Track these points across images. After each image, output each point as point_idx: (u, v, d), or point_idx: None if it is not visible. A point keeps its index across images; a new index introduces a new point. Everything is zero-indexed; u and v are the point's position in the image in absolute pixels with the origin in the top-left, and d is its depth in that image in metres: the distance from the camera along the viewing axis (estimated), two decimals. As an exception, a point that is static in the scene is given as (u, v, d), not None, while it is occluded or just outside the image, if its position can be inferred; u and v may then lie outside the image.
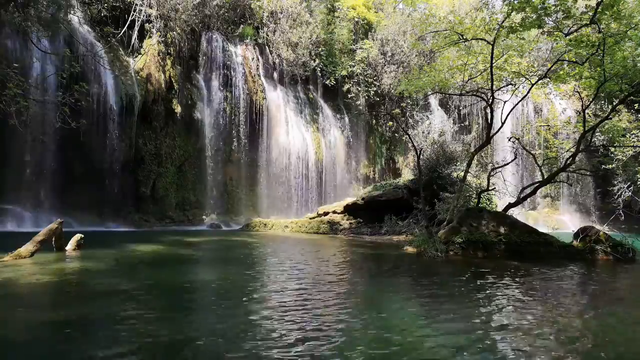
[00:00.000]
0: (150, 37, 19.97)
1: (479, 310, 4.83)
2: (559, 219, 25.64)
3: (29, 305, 4.73)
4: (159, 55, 19.92)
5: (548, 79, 12.32)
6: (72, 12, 15.84)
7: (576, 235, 10.34)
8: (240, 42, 23.48)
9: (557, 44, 12.48)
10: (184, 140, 20.88)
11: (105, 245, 10.14)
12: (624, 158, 16.56)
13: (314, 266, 8.26)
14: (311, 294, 5.52)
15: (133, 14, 19.22)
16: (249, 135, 22.52)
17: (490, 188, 13.31)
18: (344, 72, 26.39)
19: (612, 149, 16.29)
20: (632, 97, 12.69)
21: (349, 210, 17.80)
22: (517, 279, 6.94)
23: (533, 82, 12.46)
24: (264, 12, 24.19)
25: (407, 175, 24.82)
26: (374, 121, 27.92)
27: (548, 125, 25.43)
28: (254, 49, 23.81)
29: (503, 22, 11.04)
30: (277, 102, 23.96)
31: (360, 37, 27.58)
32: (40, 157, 16.25)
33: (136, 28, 19.49)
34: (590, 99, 13.38)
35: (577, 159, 13.09)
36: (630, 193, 19.18)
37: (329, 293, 5.63)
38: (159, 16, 19.97)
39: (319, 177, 24.53)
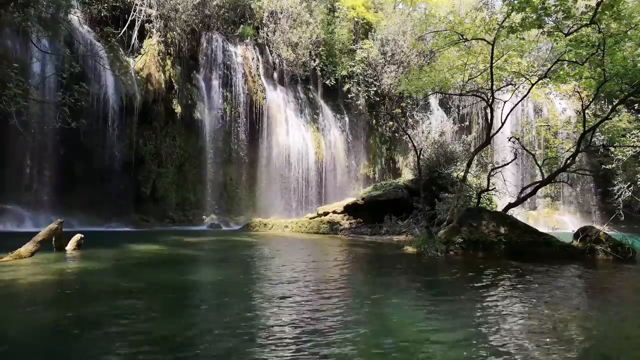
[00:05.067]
0: (150, 37, 19.96)
1: (478, 310, 4.83)
2: (559, 219, 25.63)
3: (29, 305, 4.73)
4: (159, 55, 19.92)
5: (548, 79, 12.31)
6: (72, 12, 15.83)
7: (576, 235, 10.34)
8: (240, 42, 23.47)
9: (557, 44, 12.46)
10: (184, 140, 20.87)
11: (105, 245, 10.13)
12: (624, 158, 16.53)
13: (314, 266, 8.26)
14: (311, 294, 5.52)
15: (133, 14, 19.21)
16: (249, 135, 22.51)
17: (490, 188, 13.31)
18: (344, 72, 26.38)
19: (612, 149, 16.28)
20: (632, 97, 12.67)
21: (349, 210, 17.80)
22: (517, 279, 6.94)
23: (533, 82, 12.45)
24: (264, 12, 24.18)
25: (407, 175, 24.83)
26: (374, 121, 27.92)
27: (548, 125, 25.43)
28: (254, 49, 23.80)
29: (503, 22, 11.04)
30: (277, 102, 23.95)
31: (360, 37, 27.58)
32: (40, 157, 16.25)
33: (136, 28, 19.48)
34: (590, 99, 13.38)
35: (577, 159, 13.08)
36: (630, 193, 19.14)
37: (329, 293, 5.63)
38: (159, 16, 19.97)
39: (319, 177, 24.52)
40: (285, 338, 3.66)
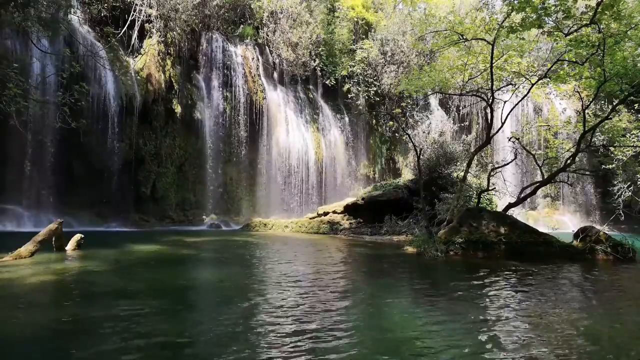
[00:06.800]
0: (150, 37, 19.96)
1: (478, 310, 4.83)
2: (559, 219, 25.61)
3: (29, 305, 4.73)
4: (159, 55, 19.92)
5: (548, 79, 12.31)
6: (72, 12, 15.83)
7: (576, 235, 10.34)
8: (240, 42, 23.47)
9: (557, 44, 12.45)
10: (184, 140, 20.88)
11: (105, 245, 10.13)
12: (624, 158, 16.49)
13: (314, 266, 8.26)
14: (311, 294, 5.52)
15: (133, 14, 19.21)
16: (249, 135, 22.52)
17: (490, 188, 13.31)
18: (344, 72, 26.38)
19: (612, 149, 16.27)
20: (632, 97, 12.66)
21: (349, 210, 17.80)
22: (516, 279, 6.94)
23: (533, 82, 12.45)
24: (264, 12, 24.18)
25: (407, 175, 24.81)
26: (374, 121, 27.91)
27: (548, 125, 25.40)
28: (254, 49, 23.80)
29: (503, 22, 11.04)
30: (277, 102, 23.96)
31: (360, 37, 27.58)
32: (40, 157, 16.24)
33: (136, 28, 19.48)
34: (590, 99, 13.37)
35: (577, 159, 13.07)
36: (630, 193, 19.12)
37: (329, 293, 5.63)
38: (159, 16, 19.97)
39: (319, 177, 24.52)
40: (286, 339, 3.66)
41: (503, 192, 14.22)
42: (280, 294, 5.51)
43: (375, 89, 26.68)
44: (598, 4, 9.71)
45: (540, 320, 4.42)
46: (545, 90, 15.49)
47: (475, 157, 15.41)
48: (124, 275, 6.70)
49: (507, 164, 13.87)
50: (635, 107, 17.89)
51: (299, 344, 3.52)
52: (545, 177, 12.90)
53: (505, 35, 11.12)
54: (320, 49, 25.65)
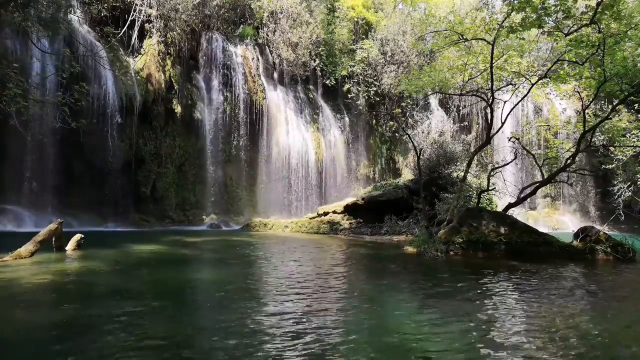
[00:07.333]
0: (150, 37, 19.97)
1: (478, 311, 4.83)
2: (559, 219, 25.62)
3: (29, 305, 4.73)
4: (159, 55, 19.93)
5: (548, 79, 12.30)
6: (72, 12, 15.83)
7: (576, 235, 10.33)
8: (240, 42, 23.48)
9: (557, 44, 12.46)
10: (184, 140, 20.88)
11: (105, 245, 10.13)
12: (624, 158, 16.47)
13: (314, 266, 8.26)
14: (311, 294, 5.52)
15: (133, 14, 19.22)
16: (249, 135, 22.53)
17: (490, 188, 13.30)
18: (344, 72, 26.39)
19: (612, 149, 16.26)
20: (632, 97, 12.65)
21: (349, 210, 17.80)
22: (517, 279, 6.94)
23: (533, 82, 12.44)
24: (264, 12, 24.19)
25: (407, 175, 24.82)
26: (374, 121, 27.92)
27: (548, 125, 25.40)
28: (254, 49, 23.81)
29: (503, 22, 11.04)
30: (277, 102, 23.97)
31: (360, 37, 27.59)
32: (40, 157, 16.25)
33: (136, 28, 19.49)
34: (590, 99, 13.36)
35: (577, 159, 13.06)
36: (630, 193, 19.11)
37: (329, 293, 5.63)
38: (159, 16, 19.97)
39: (319, 177, 24.52)
40: (287, 340, 3.66)
41: (503, 192, 14.21)
42: (281, 294, 5.51)
43: (375, 89, 26.68)
44: (598, 4, 9.71)
45: (542, 321, 4.42)
46: (545, 90, 15.49)
47: (475, 157, 15.41)
48: (124, 276, 6.70)
49: (507, 164, 13.86)
50: (635, 107, 17.88)
51: (299, 344, 3.52)
52: (545, 177, 12.89)
53: (505, 35, 11.11)
54: (320, 49, 25.66)
